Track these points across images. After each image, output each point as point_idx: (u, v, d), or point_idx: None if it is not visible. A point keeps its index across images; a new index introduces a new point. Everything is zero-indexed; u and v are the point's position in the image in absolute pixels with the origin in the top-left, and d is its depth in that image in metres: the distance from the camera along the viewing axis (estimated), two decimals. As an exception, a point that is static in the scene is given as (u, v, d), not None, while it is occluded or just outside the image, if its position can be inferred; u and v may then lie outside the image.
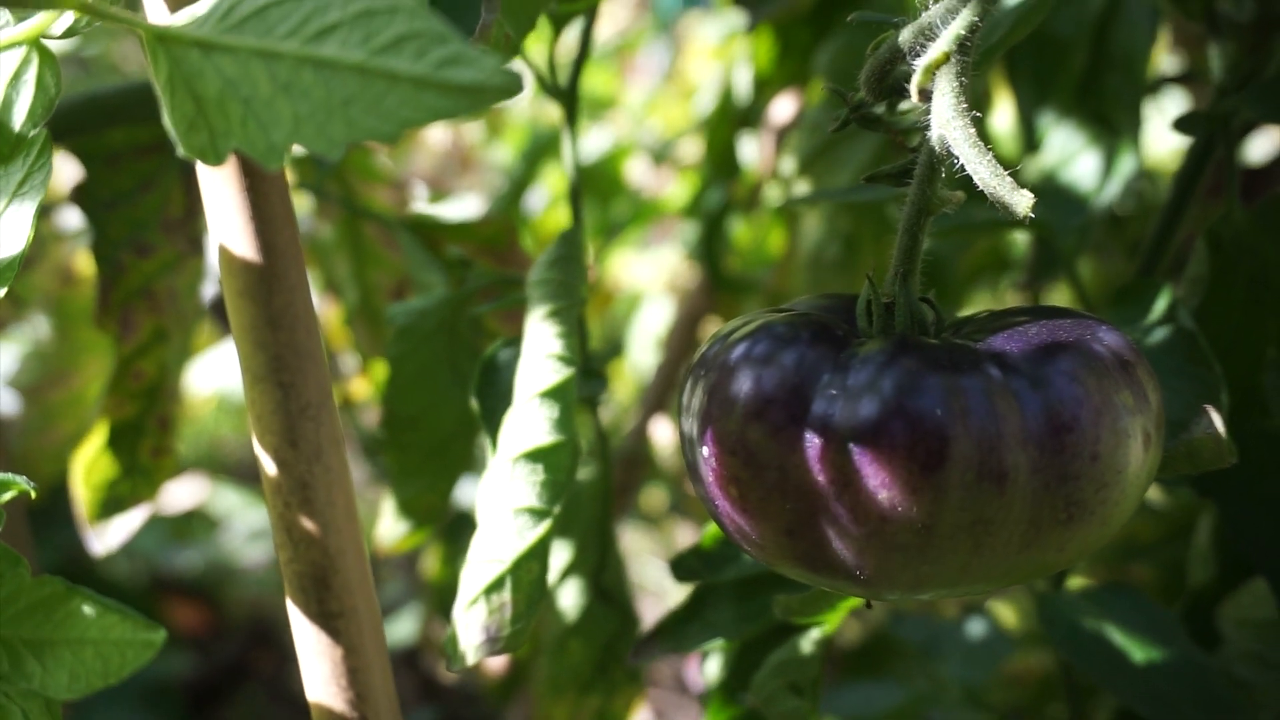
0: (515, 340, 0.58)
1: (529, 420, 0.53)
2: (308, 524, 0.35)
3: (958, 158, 0.42)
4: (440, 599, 1.03)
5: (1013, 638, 0.78)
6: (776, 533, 0.41)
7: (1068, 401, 0.39)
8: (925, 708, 0.79)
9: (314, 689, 0.35)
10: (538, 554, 0.52)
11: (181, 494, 1.99)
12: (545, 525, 0.52)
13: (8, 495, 0.34)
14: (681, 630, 0.61)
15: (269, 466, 0.35)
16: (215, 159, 0.32)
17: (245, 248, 0.34)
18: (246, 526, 1.90)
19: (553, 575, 0.67)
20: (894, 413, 0.39)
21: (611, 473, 0.67)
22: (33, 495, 0.34)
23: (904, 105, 0.52)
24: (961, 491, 0.39)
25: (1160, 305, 0.52)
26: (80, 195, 0.65)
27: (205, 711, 1.67)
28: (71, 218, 0.98)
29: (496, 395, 0.57)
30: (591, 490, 0.67)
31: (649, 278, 1.47)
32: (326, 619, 0.35)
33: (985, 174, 0.40)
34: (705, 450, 0.42)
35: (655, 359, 1.27)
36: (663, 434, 1.16)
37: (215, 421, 2.17)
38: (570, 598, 0.68)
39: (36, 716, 0.33)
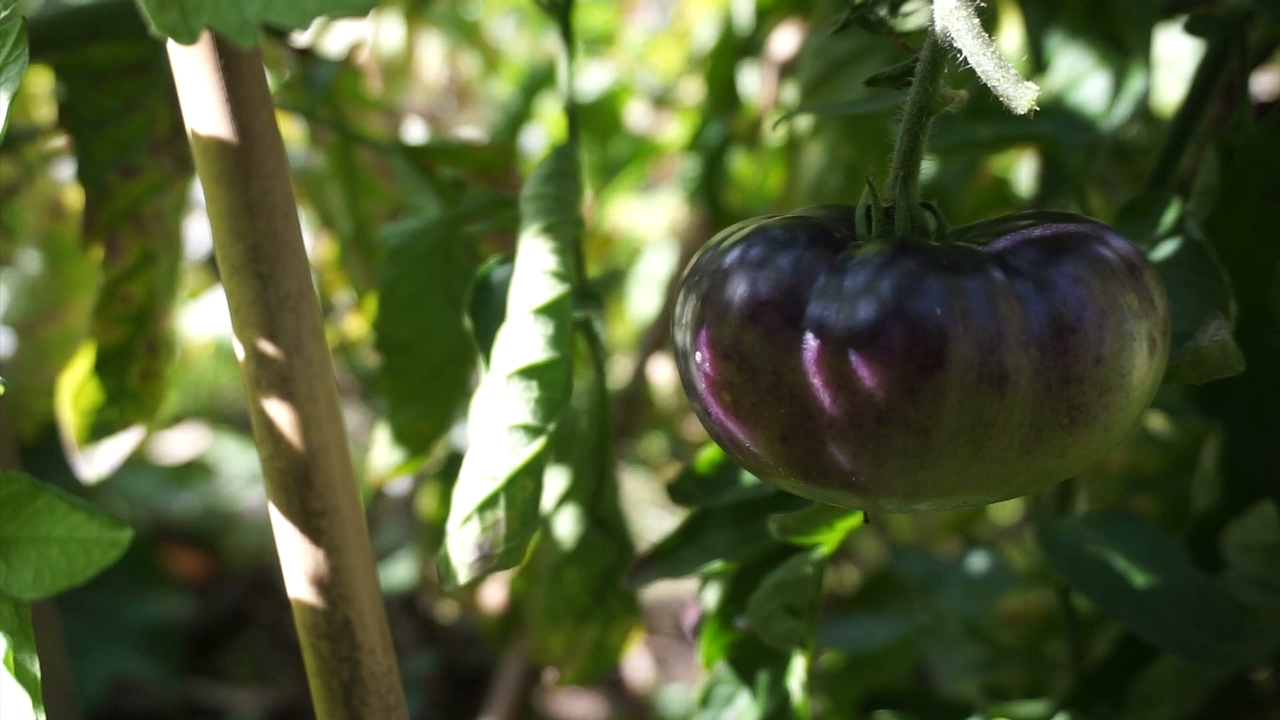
0: (509, 258, 0.57)
1: (523, 337, 0.52)
2: (288, 418, 0.34)
3: (961, 53, 0.40)
4: (438, 539, 1.02)
5: (1014, 573, 0.78)
6: (770, 439, 0.40)
7: (1072, 303, 0.38)
8: (924, 640, 0.79)
9: (296, 588, 0.34)
10: (532, 471, 0.51)
11: (181, 443, 1.99)
12: (540, 442, 0.51)
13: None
14: (677, 554, 0.60)
15: (248, 360, 0.34)
16: (188, 38, 0.31)
17: (221, 130, 0.32)
18: (247, 475, 1.90)
19: (549, 502, 0.67)
20: (892, 314, 0.38)
21: (609, 400, 0.66)
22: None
23: (908, 7, 0.50)
24: (960, 393, 0.38)
25: (1169, 218, 0.51)
26: (65, 115, 0.64)
27: (206, 657, 1.68)
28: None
29: (490, 314, 0.56)
30: (589, 417, 0.66)
31: (650, 223, 1.45)
32: (308, 517, 0.34)
33: (989, 66, 0.39)
34: (698, 355, 0.41)
35: (656, 302, 1.26)
36: (662, 373, 1.15)
37: (215, 371, 2.17)
38: (566, 526, 0.67)
39: (5, 618, 0.33)
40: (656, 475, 1.67)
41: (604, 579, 0.70)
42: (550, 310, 0.53)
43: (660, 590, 1.90)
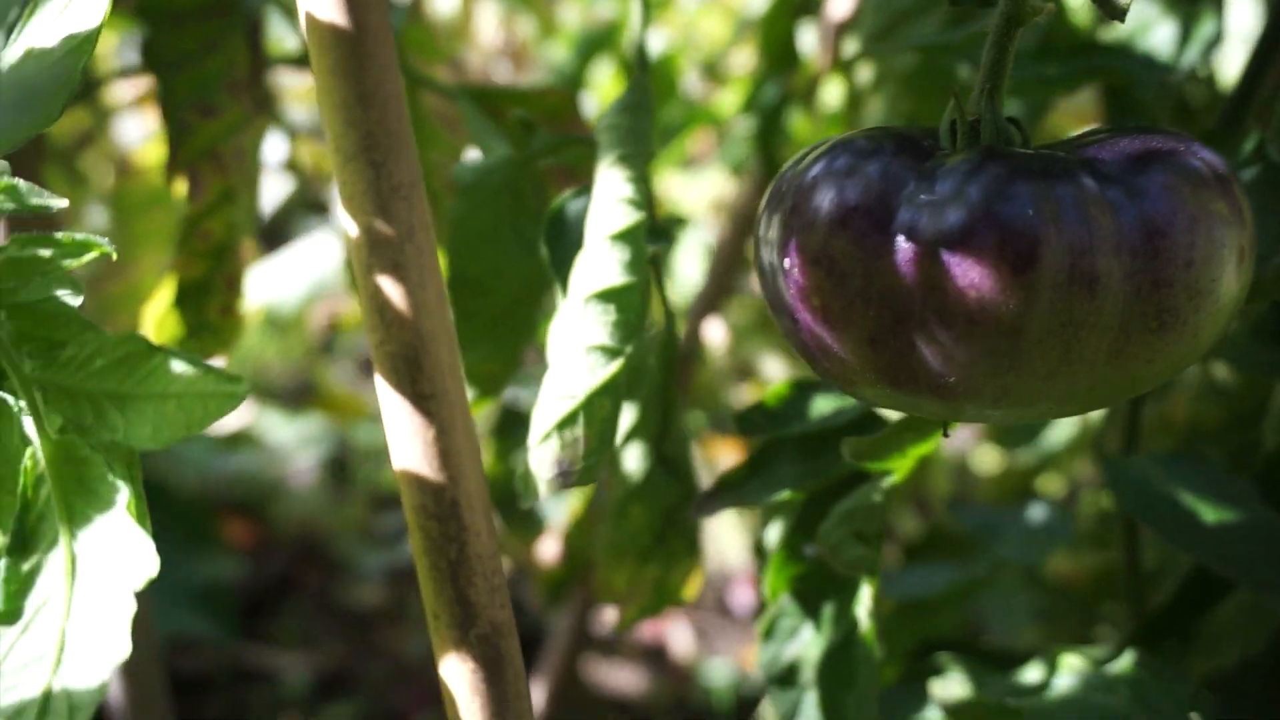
0: (584, 191, 0.58)
1: (600, 261, 0.53)
2: (400, 304, 0.35)
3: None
4: (494, 493, 1.04)
5: (1074, 522, 0.78)
6: (859, 344, 0.41)
7: (1163, 208, 0.39)
8: (979, 596, 0.79)
9: (405, 470, 0.35)
10: (609, 391, 0.52)
11: (229, 415, 2.02)
12: (617, 364, 0.52)
13: (87, 257, 0.35)
14: (744, 485, 0.61)
15: (360, 248, 0.35)
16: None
17: (337, 20, 0.33)
18: (292, 447, 1.93)
19: (616, 436, 0.67)
20: (984, 216, 0.38)
21: (677, 339, 0.66)
22: (114, 257, 0.34)
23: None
24: (1051, 294, 0.38)
25: (1248, 146, 0.51)
26: (147, 55, 0.66)
27: (255, 622, 1.70)
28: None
29: (566, 244, 0.57)
30: (656, 355, 0.66)
31: (695, 197, 1.46)
32: (419, 400, 0.35)
33: (1083, -30, 0.39)
34: (787, 263, 0.42)
35: (703, 269, 1.26)
36: (714, 335, 1.15)
37: (260, 346, 2.20)
38: (633, 462, 0.68)
39: (118, 468, 0.34)
40: (700, 449, 1.68)
41: (667, 519, 0.70)
42: (627, 236, 0.53)
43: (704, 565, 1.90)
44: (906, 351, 0.40)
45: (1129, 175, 0.39)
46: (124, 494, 0.34)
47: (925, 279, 0.39)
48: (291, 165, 1.15)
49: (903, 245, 0.39)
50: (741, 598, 1.85)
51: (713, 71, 1.29)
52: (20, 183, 0.35)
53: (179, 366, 0.34)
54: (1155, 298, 0.39)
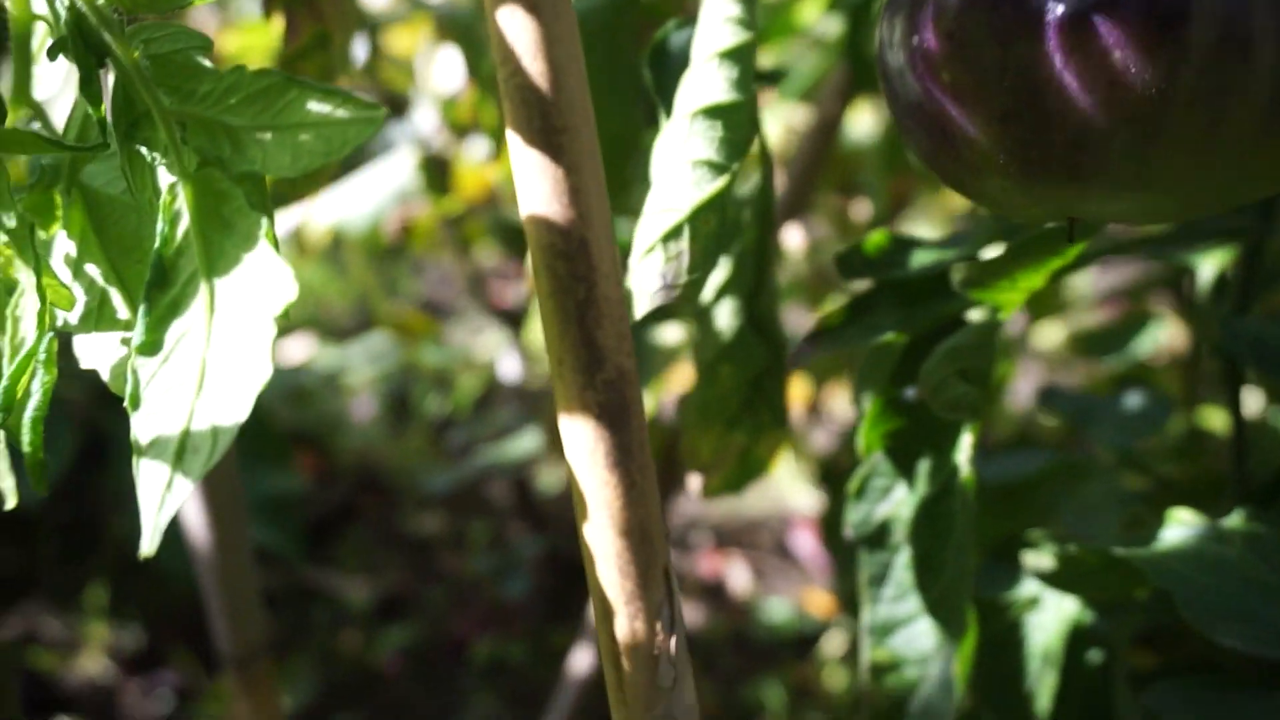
0: (688, 23, 0.57)
1: (708, 78, 0.52)
2: (533, 33, 0.34)
3: None
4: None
5: (1171, 404, 0.75)
6: (990, 120, 0.40)
7: (1324, -31, 0.37)
8: (1077, 472, 0.77)
9: (532, 207, 0.35)
10: (715, 206, 0.51)
11: (293, 349, 2.04)
12: (723, 179, 0.51)
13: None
14: (843, 331, 0.60)
15: (491, -23, 0.35)
16: None
17: None
18: (352, 383, 1.95)
19: (709, 292, 0.67)
20: (1132, -27, 0.37)
21: (773, 191, 0.65)
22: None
23: None
24: (1202, 55, 0.36)
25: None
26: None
27: (317, 548, 1.72)
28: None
29: (669, 70, 0.56)
30: (753, 209, 0.65)
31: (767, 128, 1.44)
32: (550, 134, 0.34)
33: None
34: (915, 40, 0.41)
35: (781, 182, 1.25)
36: (794, 239, 1.14)
37: (322, 284, 2.22)
38: (724, 319, 0.67)
39: (255, 200, 0.34)
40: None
41: (755, 385, 0.69)
42: (735, 54, 0.52)
43: (762, 506, 1.89)
44: (1041, 127, 0.39)
45: (1286, -60, 0.37)
46: (263, 224, 0.34)
47: (1065, 42, 0.37)
48: (370, 71, 1.15)
49: (1041, 8, 0.38)
50: (801, 541, 1.83)
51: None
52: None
53: (316, 97, 0.33)
54: (1313, 66, 0.37)
